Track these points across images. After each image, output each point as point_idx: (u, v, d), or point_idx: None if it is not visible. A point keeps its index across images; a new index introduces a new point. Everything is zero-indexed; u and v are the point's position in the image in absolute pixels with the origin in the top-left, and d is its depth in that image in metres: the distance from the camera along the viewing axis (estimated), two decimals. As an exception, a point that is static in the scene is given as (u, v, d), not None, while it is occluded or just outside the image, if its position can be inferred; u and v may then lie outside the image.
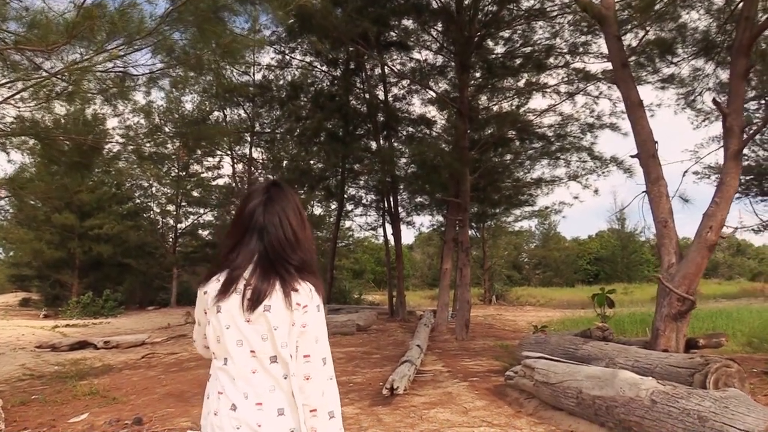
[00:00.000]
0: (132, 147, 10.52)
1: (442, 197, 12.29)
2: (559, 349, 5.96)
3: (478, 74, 14.20)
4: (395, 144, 17.01)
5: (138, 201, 28.59)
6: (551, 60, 13.55)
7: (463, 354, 8.82)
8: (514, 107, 15.07)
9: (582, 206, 40.63)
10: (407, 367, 6.24)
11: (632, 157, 6.87)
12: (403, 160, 14.89)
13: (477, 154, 13.29)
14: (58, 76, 5.02)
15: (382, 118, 16.84)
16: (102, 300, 21.93)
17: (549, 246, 45.28)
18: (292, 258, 1.51)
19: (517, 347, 6.84)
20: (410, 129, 17.09)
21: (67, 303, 22.29)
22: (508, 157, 16.18)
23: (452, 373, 6.94)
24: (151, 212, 29.80)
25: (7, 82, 5.21)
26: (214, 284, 1.50)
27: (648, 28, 7.79)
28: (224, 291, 1.47)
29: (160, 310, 24.00)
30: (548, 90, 14.41)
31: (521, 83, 14.46)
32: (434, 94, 14.41)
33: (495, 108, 15.35)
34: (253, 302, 1.44)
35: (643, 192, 6.82)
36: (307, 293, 1.48)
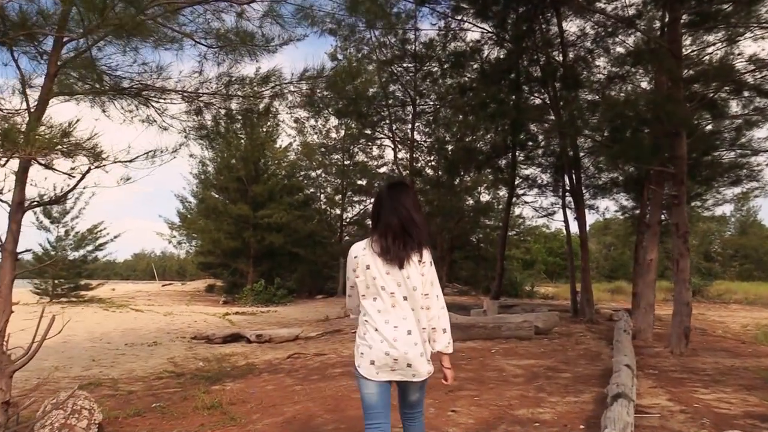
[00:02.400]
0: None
1: (651, 167, 9.54)
2: None
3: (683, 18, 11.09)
4: (575, 113, 14.36)
5: (307, 191, 29.08)
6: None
7: (691, 378, 6.35)
8: (732, 56, 11.65)
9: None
10: (623, 407, 4.16)
11: None
12: (593, 120, 12.19)
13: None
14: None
15: (559, 85, 14.35)
16: (274, 288, 22.34)
17: (749, 235, 38.63)
18: (414, 231, 2.45)
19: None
20: (595, 97, 14.33)
21: (242, 290, 23.15)
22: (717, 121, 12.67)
23: (690, 415, 4.65)
24: (319, 202, 30.22)
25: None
26: (362, 249, 2.49)
27: None
28: (374, 252, 2.43)
29: (327, 299, 23.94)
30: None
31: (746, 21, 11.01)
32: (633, 39, 11.57)
33: (706, 59, 12.04)
34: (394, 261, 2.40)
35: None
36: (427, 253, 2.47)
